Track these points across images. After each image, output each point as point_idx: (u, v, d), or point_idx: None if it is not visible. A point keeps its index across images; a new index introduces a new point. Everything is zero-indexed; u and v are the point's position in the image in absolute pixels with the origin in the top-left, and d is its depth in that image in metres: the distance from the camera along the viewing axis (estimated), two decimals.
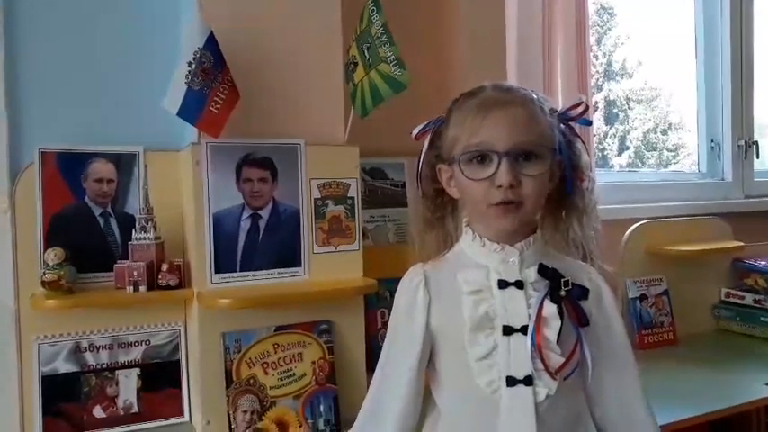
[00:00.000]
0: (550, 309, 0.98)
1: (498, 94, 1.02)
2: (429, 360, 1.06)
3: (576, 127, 1.11)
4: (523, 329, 0.98)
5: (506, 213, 0.99)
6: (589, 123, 1.10)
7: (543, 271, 1.01)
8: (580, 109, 1.07)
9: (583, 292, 1.02)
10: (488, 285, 1.01)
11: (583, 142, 1.10)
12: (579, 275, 1.05)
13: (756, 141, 2.78)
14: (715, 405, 1.60)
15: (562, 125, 1.07)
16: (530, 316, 0.98)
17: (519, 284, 1.00)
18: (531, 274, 1.01)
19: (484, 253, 1.03)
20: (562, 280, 1.00)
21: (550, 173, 1.03)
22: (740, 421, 1.67)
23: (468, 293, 1.01)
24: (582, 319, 1.00)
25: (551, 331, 0.97)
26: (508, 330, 0.99)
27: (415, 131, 1.13)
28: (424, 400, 1.08)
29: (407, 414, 1.05)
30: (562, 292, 0.99)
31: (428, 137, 1.10)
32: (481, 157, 0.99)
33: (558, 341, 0.97)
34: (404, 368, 1.04)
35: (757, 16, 2.81)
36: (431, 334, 1.04)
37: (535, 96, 1.04)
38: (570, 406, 1.03)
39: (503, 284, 1.00)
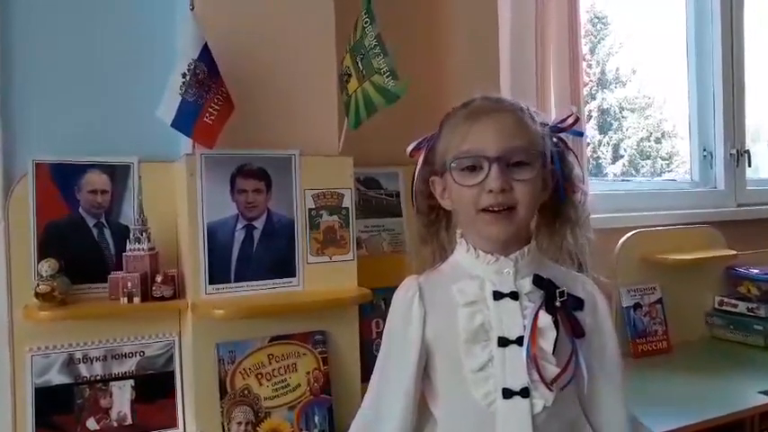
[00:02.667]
0: (545, 319, 0.98)
1: (487, 103, 1.04)
2: (424, 371, 1.06)
3: (569, 139, 1.12)
4: (519, 341, 0.98)
5: (497, 221, 0.99)
6: (580, 134, 1.10)
7: (538, 281, 1.01)
8: (570, 120, 1.08)
9: (578, 303, 1.03)
10: (483, 297, 1.01)
11: (575, 155, 1.11)
12: (574, 286, 1.06)
13: (748, 150, 2.80)
14: (709, 413, 1.61)
15: (555, 138, 1.07)
16: (525, 327, 0.98)
17: (514, 295, 1.01)
18: (526, 284, 1.01)
19: (478, 264, 1.04)
20: (557, 291, 1.00)
21: (543, 181, 1.03)
22: (734, 429, 1.67)
23: (463, 305, 1.01)
24: (577, 330, 1.00)
25: (547, 342, 0.98)
26: (504, 342, 0.99)
27: (409, 148, 1.14)
28: (421, 412, 1.07)
29: (404, 427, 1.04)
30: (557, 303, 0.99)
31: (422, 154, 1.11)
32: (471, 166, 1.00)
33: (553, 352, 0.97)
34: (400, 381, 1.04)
35: (747, 25, 2.83)
36: (426, 346, 1.04)
37: (524, 106, 1.05)
38: (566, 416, 1.03)
39: (498, 296, 1.01)
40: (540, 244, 1.09)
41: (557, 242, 1.09)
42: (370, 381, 1.11)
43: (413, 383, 1.03)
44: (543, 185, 1.04)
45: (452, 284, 1.03)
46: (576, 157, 1.12)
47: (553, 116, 1.12)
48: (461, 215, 1.06)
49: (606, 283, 1.14)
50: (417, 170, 1.12)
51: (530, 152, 1.00)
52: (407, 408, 1.04)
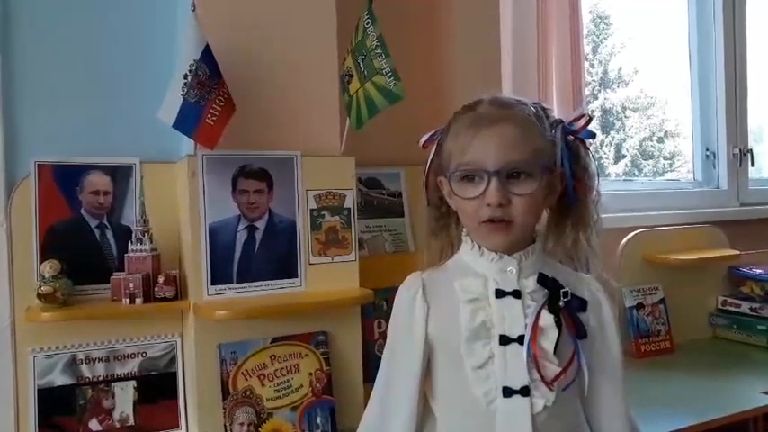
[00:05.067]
0: (547, 319, 0.98)
1: (492, 111, 1.02)
2: (426, 368, 1.05)
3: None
4: (520, 339, 0.98)
5: (496, 231, 1.00)
6: (592, 136, 1.09)
7: (542, 280, 1.00)
8: (582, 122, 1.06)
9: (581, 304, 1.02)
10: (486, 294, 1.01)
11: (591, 154, 1.09)
12: (579, 287, 1.05)
13: (751, 149, 2.80)
14: (711, 413, 1.60)
15: (569, 137, 1.06)
16: (526, 326, 0.98)
17: (516, 294, 1.00)
18: (530, 283, 1.01)
19: (482, 262, 1.03)
20: (561, 291, 1.00)
21: (550, 187, 1.03)
22: (737, 430, 1.67)
23: (465, 302, 1.01)
24: (580, 331, 1.00)
25: (548, 341, 0.97)
26: (505, 340, 0.98)
27: (422, 140, 1.14)
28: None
29: (411, 424, 1.04)
30: (561, 303, 0.99)
31: (434, 146, 1.11)
32: (471, 176, 1.00)
33: (555, 352, 0.97)
34: (407, 377, 1.04)
35: (750, 24, 2.82)
36: (429, 342, 1.03)
37: (533, 110, 1.04)
38: (568, 417, 1.02)
39: (500, 294, 1.00)
40: (546, 245, 1.08)
41: (565, 244, 1.08)
42: (377, 378, 1.11)
43: (418, 379, 1.03)
44: (550, 191, 1.03)
45: (455, 281, 1.03)
46: (592, 155, 1.10)
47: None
48: (465, 223, 1.06)
49: (615, 285, 1.13)
50: (429, 163, 1.12)
51: (531, 165, 0.99)
52: (413, 404, 1.03)
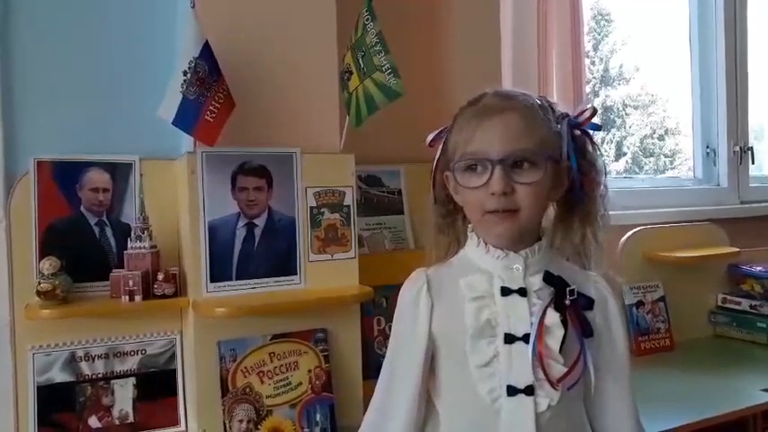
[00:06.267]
0: (553, 317, 0.97)
1: (496, 102, 1.02)
2: (430, 365, 1.05)
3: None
4: (525, 338, 0.97)
5: (502, 221, 0.98)
6: (598, 128, 1.09)
7: (549, 278, 1.00)
8: (587, 114, 1.06)
9: (588, 303, 1.01)
10: (491, 292, 1.00)
11: (598, 147, 1.09)
12: (586, 285, 1.04)
13: (751, 147, 2.79)
14: (711, 411, 1.60)
15: (576, 131, 1.06)
16: (532, 324, 0.97)
17: (522, 292, 0.99)
18: (536, 281, 1.00)
19: (488, 259, 1.03)
20: (567, 289, 0.99)
21: (555, 180, 1.02)
22: (737, 427, 1.67)
23: (470, 300, 1.00)
24: (586, 330, 0.99)
25: (554, 340, 0.96)
26: (510, 338, 0.98)
27: (429, 138, 1.13)
28: (424, 406, 1.06)
29: (414, 420, 1.04)
30: (567, 301, 0.98)
31: (440, 143, 1.10)
32: (475, 165, 0.99)
33: (561, 351, 0.96)
34: (408, 372, 1.03)
35: (751, 22, 2.82)
36: (432, 339, 1.03)
37: (538, 102, 1.03)
38: (573, 417, 1.02)
39: (505, 292, 0.99)
40: (554, 241, 1.07)
41: (573, 240, 1.07)
42: (380, 375, 1.10)
43: (419, 375, 1.02)
44: (555, 184, 1.02)
45: (461, 278, 1.02)
46: (599, 148, 1.09)
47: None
48: (469, 215, 1.06)
49: (620, 282, 1.12)
50: (436, 160, 1.11)
51: (535, 154, 0.98)
52: (415, 401, 1.03)
